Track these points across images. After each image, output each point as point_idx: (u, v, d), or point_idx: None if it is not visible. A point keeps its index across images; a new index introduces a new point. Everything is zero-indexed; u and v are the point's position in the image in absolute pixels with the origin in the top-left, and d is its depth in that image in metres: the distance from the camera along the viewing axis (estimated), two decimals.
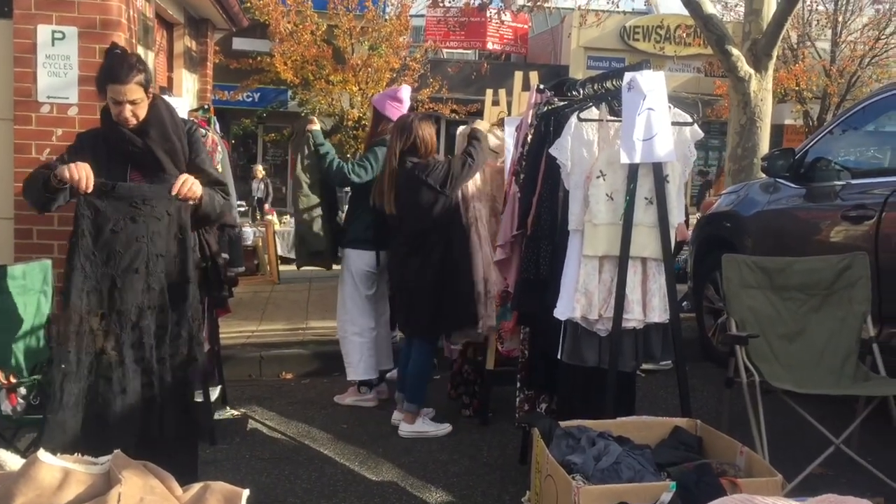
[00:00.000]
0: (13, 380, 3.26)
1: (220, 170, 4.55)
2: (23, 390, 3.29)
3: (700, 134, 3.45)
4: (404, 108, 4.79)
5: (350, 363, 4.84)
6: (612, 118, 3.36)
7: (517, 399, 3.92)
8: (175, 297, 3.12)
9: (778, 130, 19.97)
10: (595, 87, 3.62)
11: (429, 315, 4.33)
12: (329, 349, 5.73)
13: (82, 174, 2.98)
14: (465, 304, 4.33)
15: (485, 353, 4.56)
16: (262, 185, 16.98)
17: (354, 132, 16.60)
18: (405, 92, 4.89)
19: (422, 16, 20.20)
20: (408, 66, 17.12)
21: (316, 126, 4.79)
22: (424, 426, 4.37)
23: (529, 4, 9.80)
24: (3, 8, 5.41)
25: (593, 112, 3.37)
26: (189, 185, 3.09)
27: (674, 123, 3.33)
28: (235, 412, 4.74)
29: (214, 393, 4.55)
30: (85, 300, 3.00)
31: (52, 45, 5.42)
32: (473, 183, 4.49)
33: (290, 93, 18.57)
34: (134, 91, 3.15)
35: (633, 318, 3.31)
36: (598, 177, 3.29)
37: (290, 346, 6.00)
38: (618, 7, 11.23)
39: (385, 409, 4.79)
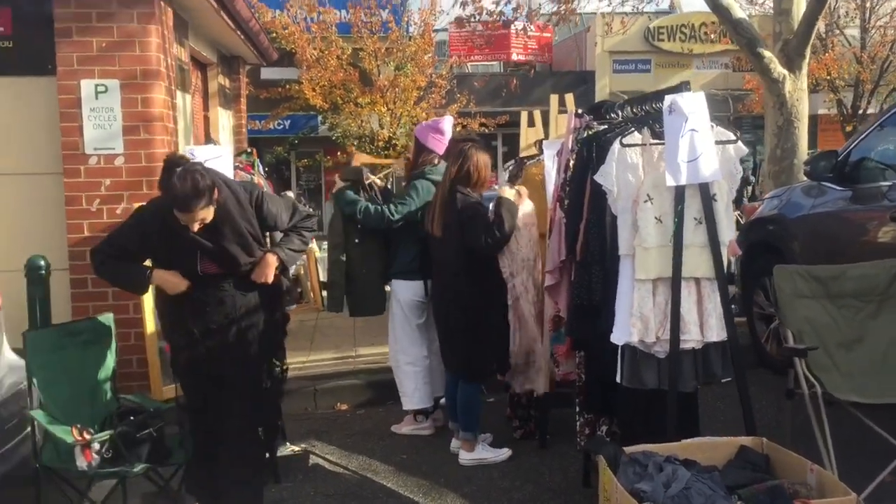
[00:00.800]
0: (87, 436, 3.35)
1: None
2: (96, 445, 3.38)
3: (744, 150, 3.45)
4: (446, 139, 4.82)
5: (405, 393, 4.87)
6: (655, 141, 3.38)
7: (577, 423, 3.93)
8: (261, 355, 3.64)
9: (812, 121, 19.66)
10: (634, 110, 3.63)
11: (462, 356, 4.37)
12: (381, 378, 5.78)
13: (180, 287, 3.39)
14: (496, 351, 4.38)
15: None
16: None
17: (385, 152, 16.71)
18: (447, 123, 4.90)
19: (445, 30, 20.29)
20: (434, 83, 17.21)
21: (338, 185, 4.86)
22: (483, 453, 4.40)
23: (554, 17, 9.82)
24: (47, 65, 5.58)
25: (636, 136, 3.39)
26: (268, 275, 3.42)
27: (717, 142, 3.34)
28: (296, 448, 4.80)
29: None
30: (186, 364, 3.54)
31: (96, 98, 5.58)
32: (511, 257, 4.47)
33: (319, 118, 18.76)
34: (201, 214, 3.33)
35: (691, 338, 3.32)
36: (645, 200, 3.31)
37: (343, 377, 6.06)
38: (641, 10, 11.19)
39: (442, 436, 4.82)
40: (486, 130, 17.82)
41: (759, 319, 5.61)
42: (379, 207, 4.65)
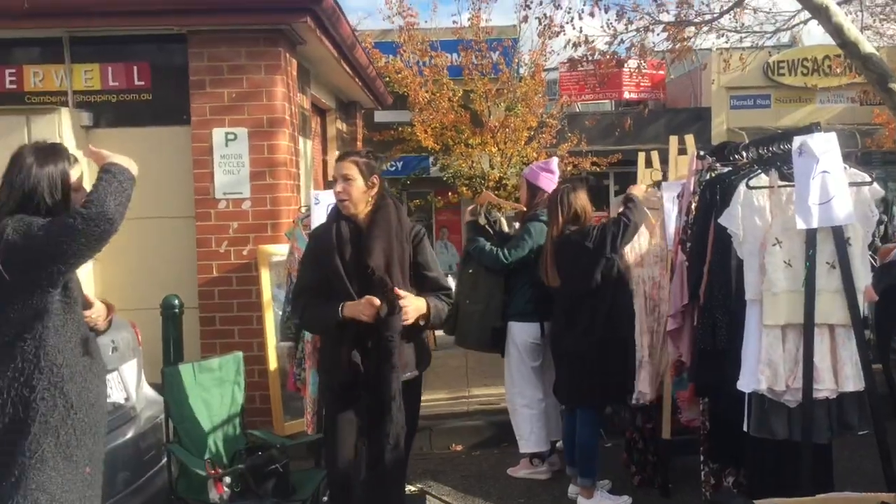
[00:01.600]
0: (219, 470, 3.49)
1: None
2: (227, 479, 3.52)
3: (880, 192, 3.31)
4: (556, 178, 4.85)
5: (521, 435, 4.85)
6: (784, 183, 3.28)
7: (702, 472, 3.81)
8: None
9: None
10: (760, 151, 3.55)
11: (590, 383, 4.29)
12: (496, 419, 5.77)
13: (373, 307, 3.23)
14: (625, 371, 4.30)
15: (654, 421, 4.47)
16: None
17: (496, 192, 16.81)
18: (556, 163, 4.96)
19: (555, 69, 20.33)
20: (545, 122, 17.25)
21: (468, 217, 4.96)
22: (603, 500, 4.31)
23: (669, 56, 9.70)
24: (182, 116, 5.95)
25: (762, 179, 3.31)
26: (410, 315, 3.28)
27: (851, 184, 3.21)
28: (412, 488, 4.84)
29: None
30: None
31: (226, 145, 5.90)
32: (632, 249, 4.46)
33: (431, 159, 19.07)
34: (348, 169, 3.37)
35: (825, 387, 3.18)
36: (773, 244, 3.21)
37: (458, 417, 6.08)
38: (761, 45, 10.89)
39: (558, 480, 4.76)
40: (598, 169, 17.66)
41: None
42: (494, 249, 4.71)
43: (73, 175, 2.73)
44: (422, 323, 3.39)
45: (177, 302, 5.05)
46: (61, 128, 5.66)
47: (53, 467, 2.54)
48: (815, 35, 18.22)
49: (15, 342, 2.54)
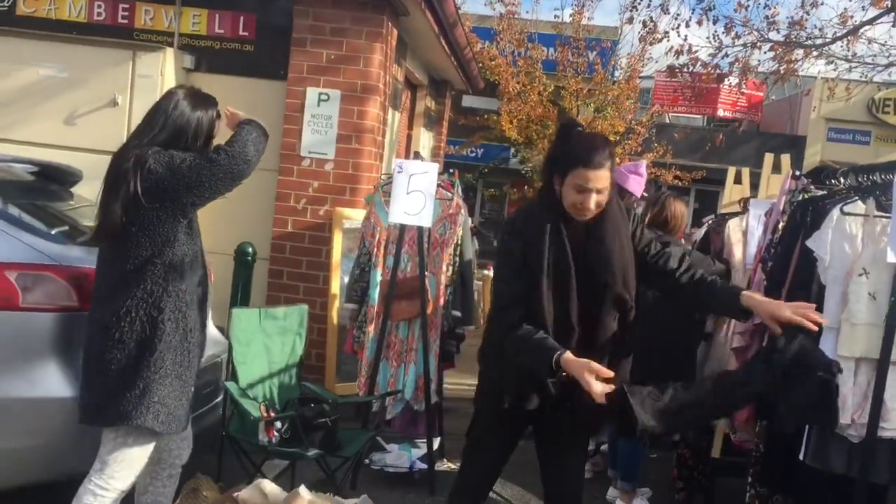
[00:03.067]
0: (272, 414, 3.57)
1: (460, 233, 4.77)
2: (278, 424, 3.60)
3: None
4: (644, 181, 4.78)
5: None
6: (880, 214, 3.17)
7: (747, 495, 3.73)
8: None
9: None
10: (859, 179, 3.43)
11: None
12: None
13: (594, 386, 2.42)
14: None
15: (706, 437, 4.39)
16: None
17: None
18: (644, 166, 4.89)
19: (650, 77, 20.02)
20: (633, 129, 17.03)
21: None
22: None
23: (773, 77, 9.46)
24: (280, 71, 6.06)
25: (858, 206, 3.20)
26: None
27: None
28: (452, 465, 4.86)
29: (435, 444, 4.71)
30: None
31: (318, 105, 5.99)
32: None
33: (512, 150, 19.02)
34: (606, 177, 2.62)
35: (892, 427, 3.07)
36: (860, 274, 3.11)
37: None
38: (870, 78, 10.53)
39: (599, 481, 4.72)
40: (680, 184, 17.38)
41: None
42: None
43: (218, 125, 2.93)
44: None
45: (250, 250, 5.17)
46: (164, 66, 5.83)
47: (171, 384, 2.77)
48: None
49: (146, 266, 2.73)
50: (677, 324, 4.03)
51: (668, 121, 21.17)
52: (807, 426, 3.25)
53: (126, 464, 2.81)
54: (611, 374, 2.47)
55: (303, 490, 2.53)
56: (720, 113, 20.30)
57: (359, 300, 4.91)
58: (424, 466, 4.44)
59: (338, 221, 5.90)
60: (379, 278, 4.73)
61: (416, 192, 4.34)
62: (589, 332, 2.68)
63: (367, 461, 4.42)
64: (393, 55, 6.47)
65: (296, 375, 4.02)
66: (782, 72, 9.02)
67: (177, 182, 2.68)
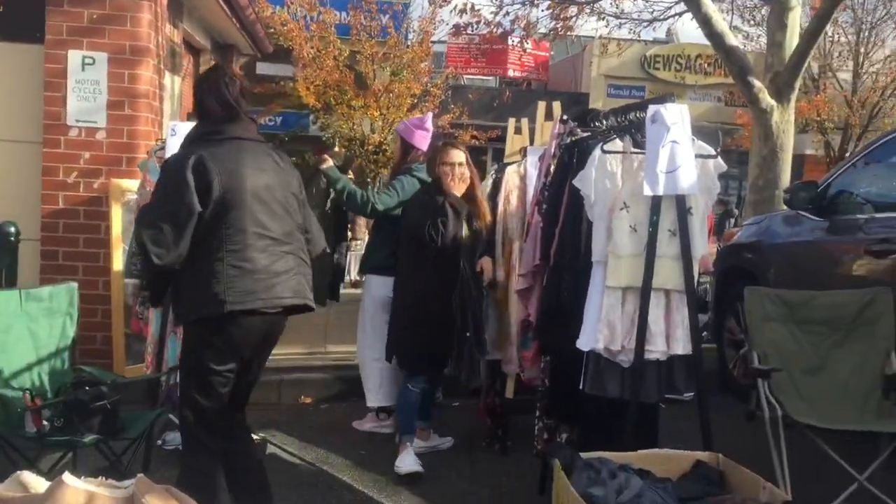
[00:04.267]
0: (38, 402, 3.28)
1: None
2: (47, 412, 3.32)
3: (723, 167, 3.46)
4: (430, 135, 4.82)
5: (370, 389, 4.84)
6: (636, 150, 3.38)
7: (536, 428, 3.91)
8: None
9: (799, 161, 19.86)
10: (618, 119, 3.64)
11: None
12: (348, 373, 5.73)
13: None
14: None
15: (498, 379, 4.55)
16: None
17: (375, 157, 16.71)
18: (431, 120, 4.93)
19: (443, 42, 20.35)
20: (429, 91, 17.24)
21: (329, 163, 4.68)
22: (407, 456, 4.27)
23: (552, 34, 9.87)
24: (35, 34, 5.53)
25: (617, 144, 3.39)
26: None
27: (697, 156, 3.35)
28: (255, 436, 4.73)
29: None
30: None
31: (83, 70, 5.54)
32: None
33: (311, 117, 18.72)
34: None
35: (657, 349, 3.32)
36: (621, 208, 3.30)
37: (310, 371, 6.01)
38: (639, 37, 11.26)
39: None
40: (477, 143, 17.86)
41: (730, 345, 5.62)
42: (365, 193, 4.61)
43: None
44: None
45: (13, 230, 4.73)
46: None
47: None
48: (689, 33, 19.03)
49: None
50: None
51: (463, 83, 21.64)
52: (584, 358, 3.44)
53: None
54: None
55: (67, 477, 2.31)
56: (510, 73, 21.03)
57: (139, 274, 4.62)
58: None
59: (115, 194, 5.51)
60: None
61: None
62: None
63: (159, 442, 4.21)
64: (165, 15, 6.09)
65: (68, 359, 3.72)
66: (560, 30, 9.43)
67: None
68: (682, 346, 3.34)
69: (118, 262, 5.44)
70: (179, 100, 7.44)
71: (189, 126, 4.10)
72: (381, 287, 4.71)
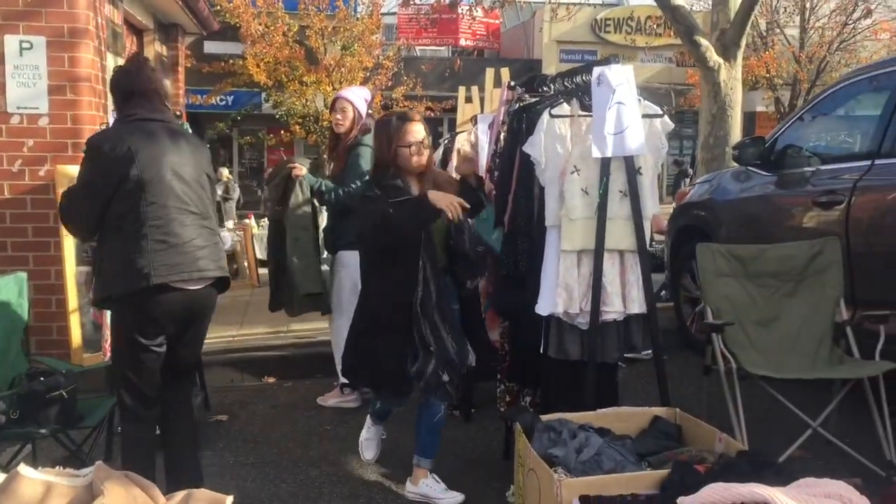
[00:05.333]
0: None
1: None
2: (2, 405, 3.27)
3: (671, 125, 3.49)
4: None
5: None
6: (584, 113, 3.39)
7: (498, 391, 3.95)
8: None
9: (750, 118, 20.15)
10: (565, 83, 3.64)
11: None
12: (311, 351, 5.74)
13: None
14: None
15: None
16: (224, 188, 16.23)
17: (328, 132, 16.57)
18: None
19: (393, 13, 20.16)
20: (381, 64, 17.10)
21: (301, 171, 4.61)
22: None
23: (501, 0, 9.80)
24: None
25: (564, 108, 3.40)
26: None
27: (644, 116, 3.37)
28: (220, 417, 4.73)
29: (196, 399, 4.54)
30: None
31: (21, 55, 5.38)
32: None
33: (263, 95, 18.48)
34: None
35: (613, 310, 3.36)
36: (572, 172, 3.32)
37: (272, 350, 6.00)
38: (588, 0, 11.26)
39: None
40: (432, 115, 17.79)
41: (686, 302, 5.70)
42: (343, 188, 4.51)
43: None
44: None
45: None
46: None
47: None
48: None
49: None
50: None
51: (415, 54, 21.48)
52: (544, 322, 3.47)
53: None
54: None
55: (23, 468, 2.28)
56: (462, 42, 20.91)
57: (91, 261, 4.54)
58: None
59: (62, 181, 5.37)
60: None
61: None
62: None
63: (119, 428, 4.16)
64: None
65: (22, 350, 3.66)
66: None
67: None
68: (638, 306, 3.39)
69: (69, 250, 5.34)
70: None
71: None
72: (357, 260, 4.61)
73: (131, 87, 3.05)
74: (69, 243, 5.33)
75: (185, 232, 2.96)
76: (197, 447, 3.43)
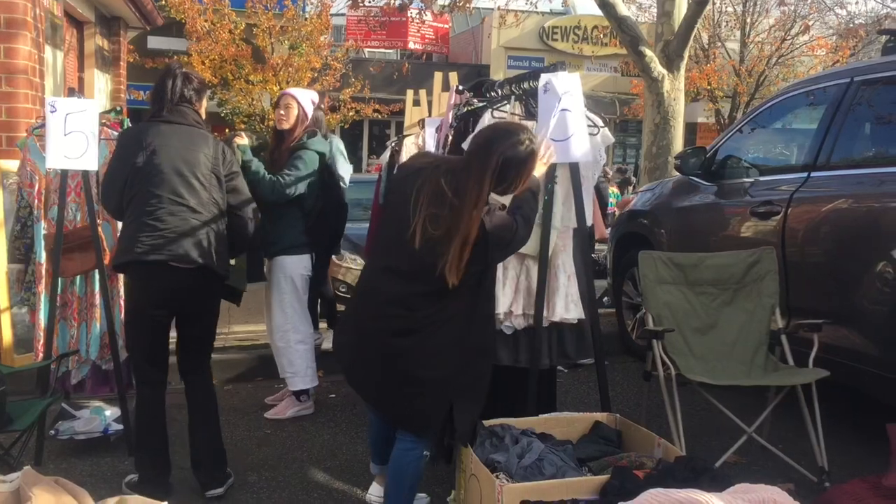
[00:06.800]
0: None
1: None
2: None
3: (611, 139, 3.54)
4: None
5: (296, 373, 4.63)
6: (528, 119, 3.41)
7: None
8: None
9: (691, 128, 20.57)
10: (513, 88, 3.66)
11: None
12: (251, 354, 5.64)
13: None
14: None
15: None
16: None
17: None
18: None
19: (342, 15, 20.06)
20: (329, 65, 16.99)
21: (244, 140, 4.44)
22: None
23: (451, 5, 9.82)
24: None
25: (507, 108, 3.41)
26: None
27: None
28: None
29: (131, 402, 4.42)
30: None
31: None
32: None
33: (208, 93, 18.19)
34: None
35: (554, 316, 3.37)
36: None
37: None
38: (536, 7, 11.37)
39: (322, 413, 4.74)
40: (380, 117, 17.75)
41: (627, 309, 5.79)
42: (273, 177, 4.38)
43: None
44: None
45: None
46: None
47: None
48: (585, 5, 19.36)
49: None
50: None
51: (364, 56, 21.41)
52: None
53: None
54: None
55: None
56: (411, 46, 20.91)
57: (23, 259, 4.40)
58: (121, 427, 4.15)
59: None
60: (44, 232, 4.27)
61: (77, 133, 3.94)
62: None
63: (52, 432, 4.05)
64: None
65: None
66: (458, 1, 9.39)
67: None
68: (559, 314, 3.39)
69: (1, 248, 5.16)
70: (62, 75, 7.09)
71: (70, 101, 3.93)
72: (297, 265, 4.52)
73: (162, 92, 3.54)
74: (2, 242, 5.16)
75: (171, 220, 3.33)
76: (215, 418, 3.74)
